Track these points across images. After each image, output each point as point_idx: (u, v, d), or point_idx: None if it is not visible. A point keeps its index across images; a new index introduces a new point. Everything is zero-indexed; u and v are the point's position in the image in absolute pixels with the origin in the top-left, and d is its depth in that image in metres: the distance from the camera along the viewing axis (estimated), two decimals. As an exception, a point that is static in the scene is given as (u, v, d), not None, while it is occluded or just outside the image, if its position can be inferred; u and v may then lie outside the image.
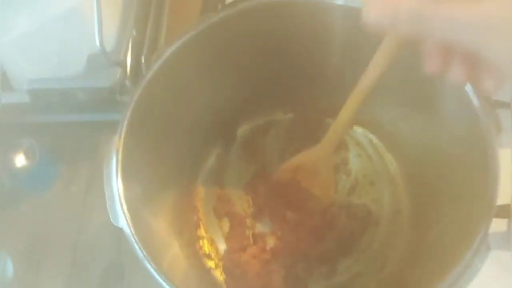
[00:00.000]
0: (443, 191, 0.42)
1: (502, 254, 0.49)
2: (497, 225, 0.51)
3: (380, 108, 0.50)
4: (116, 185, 0.35)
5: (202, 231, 0.51)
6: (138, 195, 0.39)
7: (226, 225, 0.52)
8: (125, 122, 0.37)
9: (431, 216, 0.44)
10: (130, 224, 0.34)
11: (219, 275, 0.49)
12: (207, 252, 0.50)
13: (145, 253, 0.33)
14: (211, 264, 0.49)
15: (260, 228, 0.51)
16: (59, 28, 0.57)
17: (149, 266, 0.33)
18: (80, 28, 0.56)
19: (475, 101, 0.34)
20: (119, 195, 0.34)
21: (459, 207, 0.38)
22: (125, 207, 0.34)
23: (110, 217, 0.34)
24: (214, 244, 0.51)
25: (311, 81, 0.52)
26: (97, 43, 0.52)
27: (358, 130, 0.55)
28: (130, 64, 0.56)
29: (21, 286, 0.51)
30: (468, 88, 0.35)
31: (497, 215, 0.45)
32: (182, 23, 0.60)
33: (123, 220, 0.34)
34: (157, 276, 0.33)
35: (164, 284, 0.32)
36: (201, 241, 0.50)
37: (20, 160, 0.55)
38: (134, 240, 0.33)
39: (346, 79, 0.50)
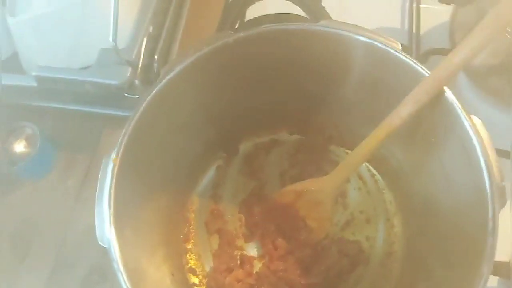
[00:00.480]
0: (437, 246, 0.41)
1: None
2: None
3: (388, 144, 0.49)
4: (108, 206, 0.34)
5: (190, 245, 0.51)
6: (130, 201, 0.39)
7: (215, 242, 0.51)
8: (125, 138, 0.36)
9: (423, 267, 0.43)
10: (116, 248, 0.33)
11: (201, 293, 0.48)
12: (193, 267, 0.49)
13: (123, 273, 0.32)
14: (195, 280, 0.49)
15: (249, 250, 0.51)
16: (75, 15, 0.56)
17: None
18: (95, 20, 0.55)
19: (484, 170, 0.33)
20: (109, 216, 0.34)
21: (453, 269, 0.37)
22: (113, 228, 0.34)
23: (97, 235, 0.34)
24: (201, 260, 0.50)
25: (320, 107, 0.51)
26: (110, 39, 0.51)
27: (362, 163, 0.54)
28: (142, 63, 0.55)
29: (3, 276, 0.51)
30: (479, 154, 0.34)
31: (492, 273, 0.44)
32: (198, 34, 0.58)
33: (108, 242, 0.33)
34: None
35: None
36: (188, 255, 0.50)
37: (20, 147, 0.55)
38: (116, 263, 0.33)
39: (357, 111, 0.49)
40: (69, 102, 0.60)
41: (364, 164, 0.53)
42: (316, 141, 0.55)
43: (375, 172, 0.53)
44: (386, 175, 0.52)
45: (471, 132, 0.34)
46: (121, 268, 0.34)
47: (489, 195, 0.32)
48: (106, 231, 0.35)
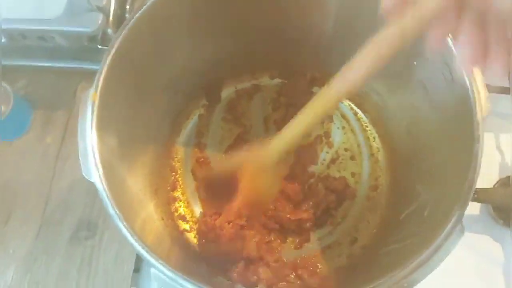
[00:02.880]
0: (423, 171, 0.42)
1: (471, 236, 0.51)
2: (470, 208, 0.52)
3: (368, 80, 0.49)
4: (90, 137, 0.33)
5: (179, 193, 0.51)
6: (114, 149, 0.38)
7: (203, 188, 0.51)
8: (103, 73, 0.35)
9: (408, 194, 0.44)
10: (103, 179, 0.32)
11: (192, 237, 0.48)
12: (183, 214, 0.49)
13: (117, 211, 0.32)
14: (185, 226, 0.49)
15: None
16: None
17: (120, 225, 0.32)
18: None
19: (466, 80, 0.33)
20: (93, 148, 0.33)
21: (439, 187, 0.38)
22: (98, 161, 0.33)
23: (82, 171, 0.33)
24: (190, 207, 0.50)
25: (301, 48, 0.51)
26: (79, -16, 0.49)
27: (344, 102, 0.54)
28: (114, 10, 0.53)
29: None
30: (460, 68, 0.34)
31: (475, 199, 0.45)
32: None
33: (95, 174, 0.32)
34: (128, 235, 0.32)
35: (135, 243, 0.32)
36: (177, 203, 0.50)
37: (-8, 106, 0.52)
38: (106, 196, 0.32)
39: (337, 48, 0.48)
40: (42, 58, 0.57)
41: (347, 103, 0.54)
42: (298, 84, 0.55)
43: (358, 110, 0.53)
44: (369, 112, 0.53)
45: (452, 46, 0.34)
46: (114, 206, 0.33)
47: (473, 103, 0.32)
48: (93, 172, 0.34)
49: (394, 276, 0.30)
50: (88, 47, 0.55)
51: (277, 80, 0.55)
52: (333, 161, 0.52)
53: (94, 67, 0.57)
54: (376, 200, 0.49)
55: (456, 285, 0.48)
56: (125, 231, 0.32)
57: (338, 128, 0.53)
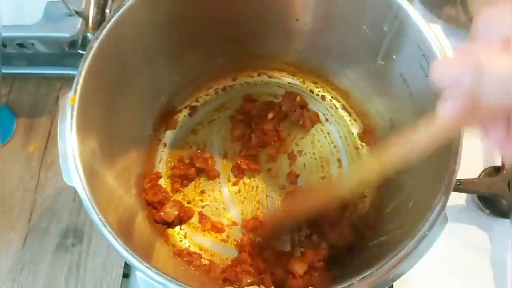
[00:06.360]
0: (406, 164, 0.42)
1: (458, 226, 0.52)
2: (456, 199, 0.52)
3: (350, 75, 0.50)
4: (70, 140, 0.33)
5: (163, 193, 0.50)
6: (95, 152, 0.37)
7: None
8: (82, 75, 0.35)
9: (392, 188, 0.44)
10: (84, 184, 0.32)
11: (178, 238, 0.48)
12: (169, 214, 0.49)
13: (100, 216, 0.31)
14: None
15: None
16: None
17: (103, 229, 0.31)
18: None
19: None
20: (73, 151, 0.32)
21: (421, 180, 0.38)
22: (79, 164, 0.32)
23: (63, 176, 0.32)
24: (176, 207, 0.49)
25: (283, 45, 0.51)
26: (56, -13, 0.48)
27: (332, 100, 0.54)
28: (93, 14, 0.53)
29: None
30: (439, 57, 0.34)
31: (457, 189, 0.46)
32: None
33: (76, 178, 0.32)
34: (112, 240, 0.31)
35: (119, 247, 0.31)
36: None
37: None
38: (88, 201, 0.32)
39: (317, 45, 0.49)
40: (23, 66, 0.57)
41: (329, 100, 0.54)
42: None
43: (343, 104, 0.54)
44: (354, 108, 0.53)
45: (430, 39, 0.34)
46: (99, 215, 0.32)
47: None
48: (74, 176, 0.33)
49: (379, 268, 0.30)
50: (68, 52, 0.55)
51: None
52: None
53: (76, 72, 0.56)
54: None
55: (444, 276, 0.49)
56: (109, 235, 0.32)
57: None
